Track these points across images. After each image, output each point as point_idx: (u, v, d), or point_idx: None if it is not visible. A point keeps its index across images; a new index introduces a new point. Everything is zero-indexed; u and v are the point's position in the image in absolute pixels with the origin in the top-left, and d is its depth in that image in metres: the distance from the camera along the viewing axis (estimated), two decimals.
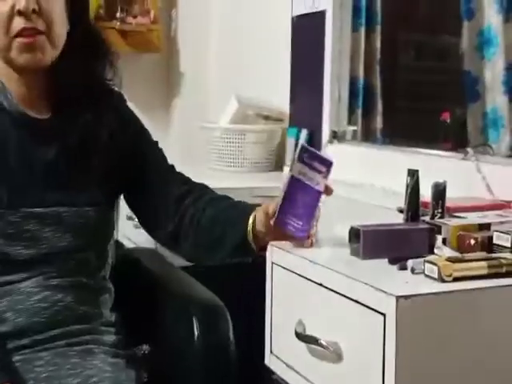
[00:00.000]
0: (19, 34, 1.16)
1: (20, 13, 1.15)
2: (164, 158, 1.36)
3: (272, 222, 1.11)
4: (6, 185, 1.18)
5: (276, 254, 1.20)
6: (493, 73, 1.73)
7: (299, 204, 1.10)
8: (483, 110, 1.76)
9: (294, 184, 1.09)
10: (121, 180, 1.30)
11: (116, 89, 1.32)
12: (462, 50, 1.82)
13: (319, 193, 1.11)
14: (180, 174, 1.34)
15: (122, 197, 1.35)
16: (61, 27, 1.20)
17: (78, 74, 1.24)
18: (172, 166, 1.36)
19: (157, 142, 1.38)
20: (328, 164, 1.11)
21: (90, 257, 1.24)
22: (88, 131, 1.24)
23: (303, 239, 1.11)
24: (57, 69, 1.22)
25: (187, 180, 1.33)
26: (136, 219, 1.37)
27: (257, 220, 1.18)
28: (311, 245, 1.13)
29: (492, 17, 1.73)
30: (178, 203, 1.27)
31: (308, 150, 1.10)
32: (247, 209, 1.21)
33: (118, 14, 2.67)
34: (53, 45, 1.19)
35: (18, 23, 1.15)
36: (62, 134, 1.23)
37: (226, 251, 1.22)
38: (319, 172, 1.10)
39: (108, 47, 1.29)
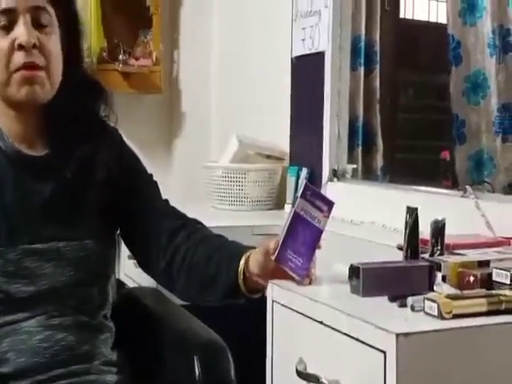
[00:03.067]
0: (19, 69, 1.17)
1: (21, 47, 1.16)
2: (158, 193, 1.36)
3: (273, 258, 1.11)
4: (4, 222, 1.19)
5: (276, 291, 1.20)
6: (480, 116, 1.76)
7: (301, 241, 1.09)
8: (469, 153, 1.79)
9: (297, 220, 1.09)
10: (116, 214, 1.30)
11: (112, 125, 1.34)
12: (451, 93, 1.86)
13: (320, 231, 1.11)
14: (174, 209, 1.33)
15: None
16: (58, 64, 1.22)
17: (73, 111, 1.25)
18: (166, 201, 1.35)
19: (151, 176, 1.37)
20: (330, 204, 1.12)
21: (91, 292, 1.24)
22: (84, 166, 1.25)
23: (302, 277, 1.11)
24: (52, 106, 1.23)
25: (181, 215, 1.32)
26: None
27: (251, 260, 1.17)
28: (310, 283, 1.13)
29: (484, 61, 1.77)
30: (170, 239, 1.26)
31: (311, 188, 1.10)
32: (240, 249, 1.21)
33: (120, 56, 2.72)
34: (51, 80, 1.20)
35: (19, 57, 1.17)
36: (57, 170, 1.24)
37: (218, 292, 1.21)
38: (321, 211, 1.10)
39: (101, 86, 1.31)
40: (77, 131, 1.25)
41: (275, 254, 1.10)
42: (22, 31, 1.16)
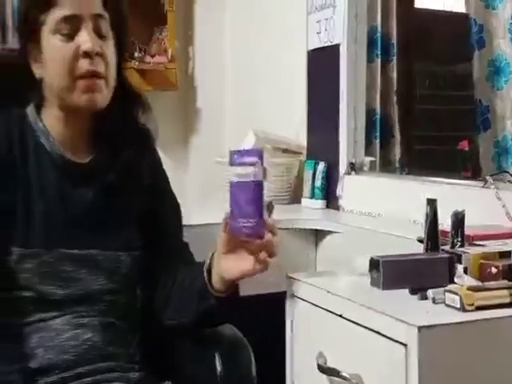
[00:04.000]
0: (82, 76, 1.18)
1: (85, 54, 1.18)
2: (179, 229, 1.35)
3: (227, 233, 1.08)
4: (43, 225, 1.20)
5: (295, 285, 1.20)
6: (504, 101, 1.73)
7: (245, 203, 1.06)
8: (494, 139, 1.76)
9: (234, 188, 1.07)
10: (146, 226, 1.30)
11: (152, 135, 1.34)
12: (474, 79, 1.83)
13: (258, 183, 1.07)
14: (187, 254, 1.32)
15: None
16: (114, 72, 1.23)
17: (120, 118, 1.26)
18: (182, 247, 1.33)
19: (178, 206, 1.36)
20: (257, 153, 1.08)
21: (120, 300, 1.26)
22: (129, 171, 1.27)
23: (262, 235, 1.07)
24: (103, 112, 1.24)
25: (188, 260, 1.31)
26: None
27: (214, 256, 1.16)
28: (273, 234, 1.08)
29: (506, 46, 1.74)
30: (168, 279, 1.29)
31: (235, 152, 1.08)
32: (207, 259, 1.20)
33: (136, 54, 2.72)
34: (109, 88, 1.22)
35: (83, 64, 1.18)
36: (99, 178, 1.25)
37: (194, 302, 1.20)
38: (252, 164, 1.07)
39: (140, 94, 1.32)
40: (123, 137, 1.27)
41: (228, 229, 1.08)
42: (85, 39, 1.18)
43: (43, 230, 1.20)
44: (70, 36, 1.18)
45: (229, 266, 1.12)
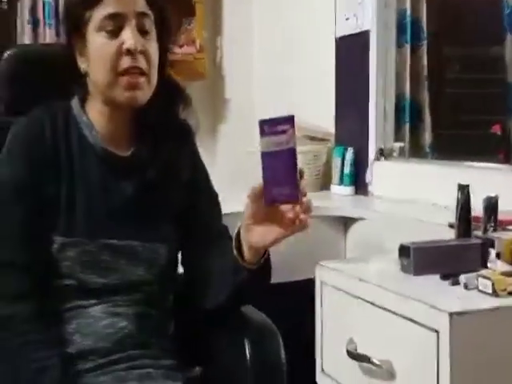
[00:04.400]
0: (125, 73, 1.20)
1: (128, 52, 1.19)
2: (219, 220, 1.35)
3: (264, 204, 1.08)
4: (85, 215, 1.23)
5: (325, 272, 1.19)
6: None
7: (279, 172, 1.06)
8: None
9: (267, 158, 1.06)
10: (184, 222, 1.31)
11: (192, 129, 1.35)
12: (506, 62, 1.79)
13: (291, 150, 1.05)
14: (223, 245, 1.29)
15: None
16: (156, 69, 1.24)
17: (162, 113, 1.27)
18: (222, 233, 1.32)
19: (217, 197, 1.36)
20: (289, 120, 1.06)
21: (156, 290, 1.28)
22: (169, 166, 1.28)
23: (298, 200, 1.06)
24: (146, 108, 1.25)
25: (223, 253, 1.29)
26: None
27: (241, 230, 1.15)
28: (305, 196, 1.08)
29: None
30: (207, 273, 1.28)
31: (266, 121, 1.06)
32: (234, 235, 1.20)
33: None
34: (150, 85, 1.23)
35: (126, 61, 1.19)
36: (140, 171, 1.27)
37: (228, 278, 1.20)
38: (284, 132, 1.05)
39: (183, 89, 1.32)
40: (165, 131, 1.28)
41: (264, 200, 1.07)
42: (129, 36, 1.19)
43: (85, 220, 1.22)
44: (114, 33, 1.20)
45: (260, 235, 1.12)
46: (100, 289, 1.22)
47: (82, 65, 1.24)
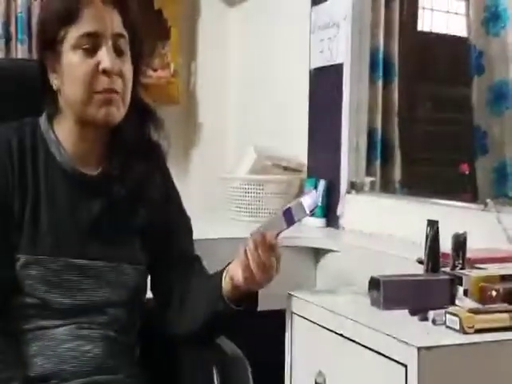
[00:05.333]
0: (100, 92, 1.20)
1: (104, 72, 1.19)
2: (191, 243, 1.35)
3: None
4: (52, 233, 1.21)
5: (295, 303, 1.20)
6: (503, 127, 1.74)
7: None
8: (491, 165, 1.77)
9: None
10: (152, 242, 1.30)
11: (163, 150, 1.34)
12: (473, 104, 1.84)
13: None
14: (198, 266, 1.32)
15: None
16: (130, 90, 1.25)
17: (134, 133, 1.27)
18: (195, 259, 1.33)
19: (189, 221, 1.37)
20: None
21: (122, 314, 1.26)
22: (139, 185, 1.27)
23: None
24: (118, 127, 1.25)
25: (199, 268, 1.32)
26: None
27: (230, 267, 1.18)
28: None
29: (508, 71, 1.75)
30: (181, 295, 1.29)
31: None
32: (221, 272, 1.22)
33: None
34: (124, 104, 1.24)
35: (102, 82, 1.20)
36: (108, 190, 1.26)
37: (204, 306, 1.22)
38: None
39: (153, 109, 1.33)
40: (137, 150, 1.28)
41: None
42: (105, 56, 1.19)
43: (50, 239, 1.21)
44: (91, 52, 1.20)
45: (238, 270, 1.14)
46: (64, 309, 1.20)
47: (55, 81, 1.23)
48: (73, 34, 1.20)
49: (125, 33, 1.24)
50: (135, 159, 1.27)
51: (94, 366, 1.20)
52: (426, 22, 2.74)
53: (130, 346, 1.28)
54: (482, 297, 1.10)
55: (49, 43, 1.23)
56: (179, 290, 1.28)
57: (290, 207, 1.13)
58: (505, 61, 1.78)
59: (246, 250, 1.13)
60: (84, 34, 1.20)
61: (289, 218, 1.12)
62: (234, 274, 1.16)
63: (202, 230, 1.44)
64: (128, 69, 1.24)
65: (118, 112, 1.22)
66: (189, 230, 1.36)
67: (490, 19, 1.80)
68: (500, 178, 1.73)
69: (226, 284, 1.19)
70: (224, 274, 1.20)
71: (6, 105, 1.35)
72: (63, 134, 1.26)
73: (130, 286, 1.26)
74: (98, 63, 1.20)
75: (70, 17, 1.20)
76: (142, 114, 1.29)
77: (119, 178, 1.26)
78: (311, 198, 1.13)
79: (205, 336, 1.26)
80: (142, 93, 1.32)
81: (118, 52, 1.22)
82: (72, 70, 1.21)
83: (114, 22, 1.22)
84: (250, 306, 1.19)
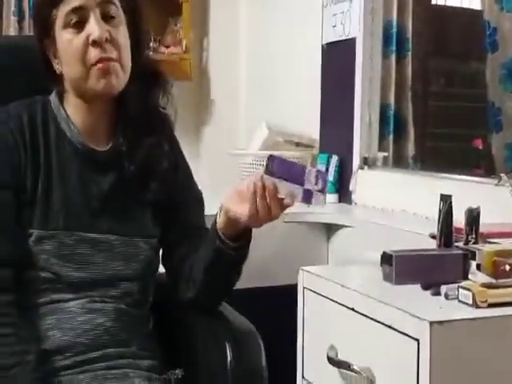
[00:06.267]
0: (95, 63, 1.20)
1: (94, 43, 1.19)
2: (202, 216, 1.36)
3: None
4: (64, 208, 1.23)
5: (307, 278, 1.20)
6: None
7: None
8: (506, 141, 1.76)
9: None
10: (163, 216, 1.31)
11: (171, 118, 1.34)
12: (487, 79, 1.82)
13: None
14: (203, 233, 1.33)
15: None
16: (128, 54, 1.24)
17: (141, 103, 1.27)
18: (206, 231, 1.32)
19: (201, 194, 1.37)
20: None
21: (134, 288, 1.27)
22: (149, 157, 1.27)
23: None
24: (124, 96, 1.25)
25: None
26: None
27: (226, 200, 1.20)
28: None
29: None
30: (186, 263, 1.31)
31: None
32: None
33: (150, 44, 2.72)
34: (124, 71, 1.23)
35: (94, 53, 1.20)
36: (119, 166, 1.27)
37: (205, 250, 1.24)
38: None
39: (164, 76, 1.31)
40: (144, 122, 1.27)
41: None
42: (94, 27, 1.19)
43: (63, 214, 1.22)
44: (80, 27, 1.20)
45: (236, 205, 1.17)
46: (77, 283, 1.21)
47: (57, 66, 1.25)
48: (61, 13, 1.20)
49: None
50: (143, 133, 1.27)
51: (108, 338, 1.22)
52: None
53: (142, 319, 1.30)
54: (495, 271, 1.09)
55: (45, 29, 1.23)
56: (190, 262, 1.29)
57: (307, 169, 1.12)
58: None
59: (254, 190, 1.13)
60: (70, 10, 1.20)
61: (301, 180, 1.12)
62: (230, 208, 1.17)
63: (213, 205, 1.44)
64: (122, 34, 1.23)
65: (118, 80, 1.22)
66: (200, 202, 1.37)
67: None
68: None
69: (220, 218, 1.20)
70: (218, 211, 1.21)
71: (19, 81, 1.36)
72: (72, 111, 1.27)
73: (142, 260, 1.27)
74: (89, 35, 1.19)
75: None
76: (147, 80, 1.28)
77: (128, 154, 1.26)
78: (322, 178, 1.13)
79: (210, 293, 1.27)
80: (149, 58, 1.31)
81: (108, 19, 1.21)
82: (66, 49, 1.21)
83: None
84: (245, 243, 1.21)
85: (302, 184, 1.13)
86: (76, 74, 1.22)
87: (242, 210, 1.15)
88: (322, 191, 1.14)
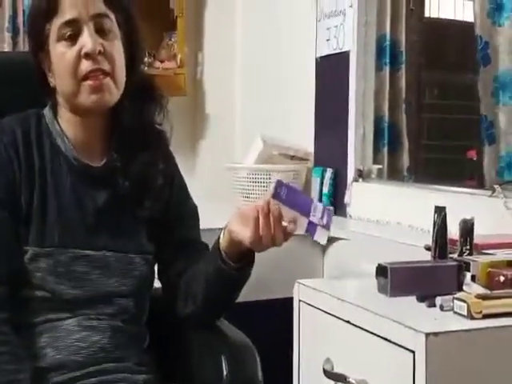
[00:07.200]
0: (87, 77, 1.19)
1: (87, 55, 1.18)
2: (198, 231, 1.35)
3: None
4: (59, 224, 1.22)
5: (303, 291, 1.20)
6: (509, 117, 1.74)
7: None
8: (498, 154, 1.77)
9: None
10: (158, 232, 1.30)
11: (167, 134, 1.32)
12: (479, 93, 1.83)
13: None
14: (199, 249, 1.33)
15: None
16: (122, 69, 1.23)
17: (135, 118, 1.26)
18: (202, 245, 1.33)
19: (196, 208, 1.37)
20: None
21: (130, 304, 1.26)
22: (141, 180, 1.26)
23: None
24: (117, 111, 1.25)
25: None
26: None
27: (230, 222, 1.19)
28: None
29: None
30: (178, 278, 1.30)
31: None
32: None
33: (145, 59, 2.73)
34: (117, 86, 1.22)
35: (86, 65, 1.19)
36: (113, 181, 1.26)
37: (205, 272, 1.23)
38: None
39: (160, 92, 1.31)
40: (139, 138, 1.27)
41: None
42: (87, 40, 1.19)
43: (58, 231, 1.21)
44: (73, 40, 1.19)
45: (240, 226, 1.16)
46: (73, 301, 1.20)
47: (51, 79, 1.24)
48: (55, 26, 1.20)
49: (108, 12, 1.22)
50: (138, 149, 1.26)
51: (104, 355, 1.21)
52: (434, 9, 2.73)
53: (138, 335, 1.29)
54: (490, 282, 1.10)
55: (39, 42, 1.23)
56: (187, 277, 1.29)
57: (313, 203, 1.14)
58: (510, 52, 1.77)
59: (257, 215, 1.13)
60: (63, 23, 1.19)
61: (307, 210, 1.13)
62: (234, 229, 1.17)
63: (209, 219, 1.45)
64: (117, 48, 1.22)
65: (111, 96, 1.21)
66: (195, 216, 1.36)
67: (495, 10, 1.79)
68: (508, 166, 1.73)
69: (224, 237, 1.19)
70: (222, 229, 1.20)
71: (13, 97, 1.36)
72: (65, 125, 1.26)
73: (138, 276, 1.26)
74: (81, 48, 1.19)
75: (51, 10, 1.19)
76: (142, 95, 1.27)
77: (123, 170, 1.25)
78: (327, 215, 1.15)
79: (210, 310, 1.26)
80: (144, 73, 1.31)
81: (102, 32, 1.21)
82: (58, 62, 1.21)
83: (94, 4, 1.20)
84: (247, 264, 1.20)
85: (307, 215, 1.14)
86: (67, 88, 1.21)
87: (245, 233, 1.15)
88: (327, 227, 1.14)
